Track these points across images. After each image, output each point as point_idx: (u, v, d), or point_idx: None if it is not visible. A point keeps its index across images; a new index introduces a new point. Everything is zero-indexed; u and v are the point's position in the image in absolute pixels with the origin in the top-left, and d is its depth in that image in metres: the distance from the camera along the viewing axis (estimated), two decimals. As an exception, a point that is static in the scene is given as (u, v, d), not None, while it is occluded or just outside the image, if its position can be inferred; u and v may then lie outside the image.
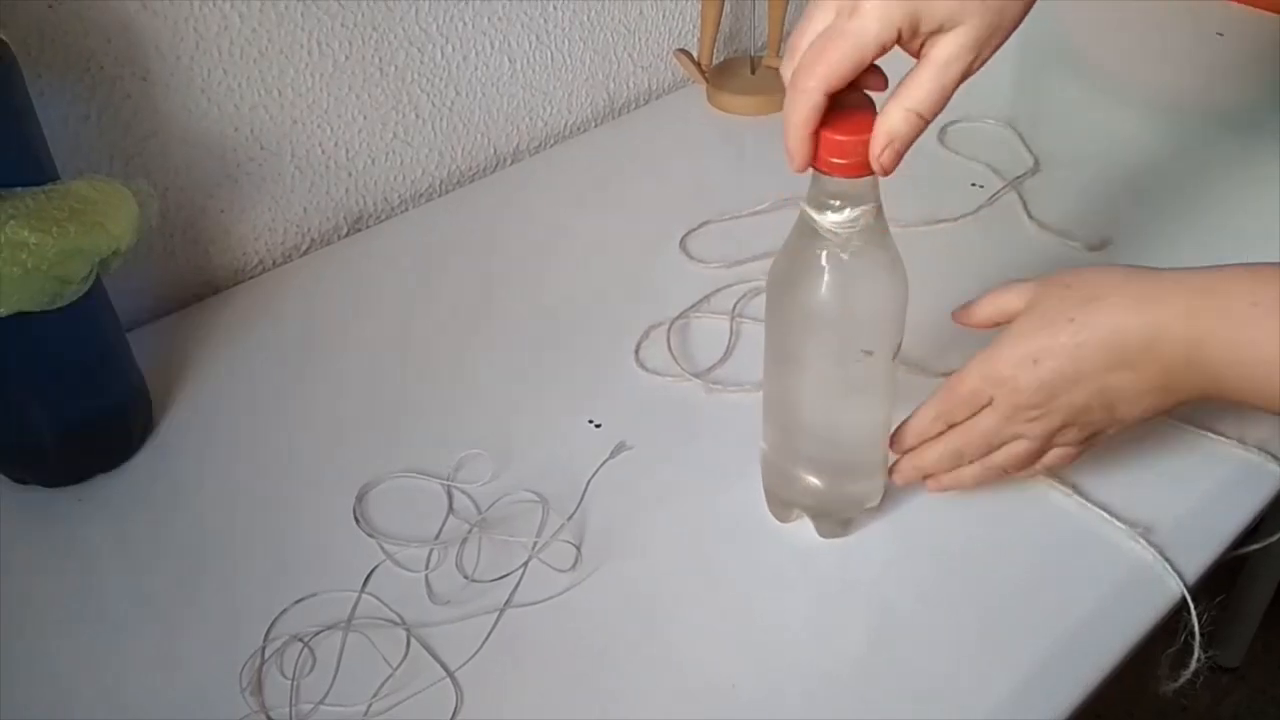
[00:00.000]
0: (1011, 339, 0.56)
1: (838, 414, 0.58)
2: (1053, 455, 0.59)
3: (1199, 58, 1.07)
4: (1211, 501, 0.63)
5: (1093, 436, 0.58)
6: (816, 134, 0.50)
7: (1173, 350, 0.53)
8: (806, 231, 0.53)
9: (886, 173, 0.50)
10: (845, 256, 0.52)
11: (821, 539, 0.61)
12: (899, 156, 0.50)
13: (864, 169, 0.50)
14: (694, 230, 0.85)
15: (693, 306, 0.78)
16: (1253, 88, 1.02)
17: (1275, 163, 0.90)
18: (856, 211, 0.51)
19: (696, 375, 0.72)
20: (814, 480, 0.59)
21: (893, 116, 0.49)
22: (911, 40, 0.50)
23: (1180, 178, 0.89)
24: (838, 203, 0.51)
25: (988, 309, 0.59)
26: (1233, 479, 0.64)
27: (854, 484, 0.60)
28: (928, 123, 0.50)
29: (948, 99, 0.50)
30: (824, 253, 0.53)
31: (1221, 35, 1.09)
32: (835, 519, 0.61)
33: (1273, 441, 0.65)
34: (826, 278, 0.53)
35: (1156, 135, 0.95)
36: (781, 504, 0.62)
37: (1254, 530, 0.63)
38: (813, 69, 0.49)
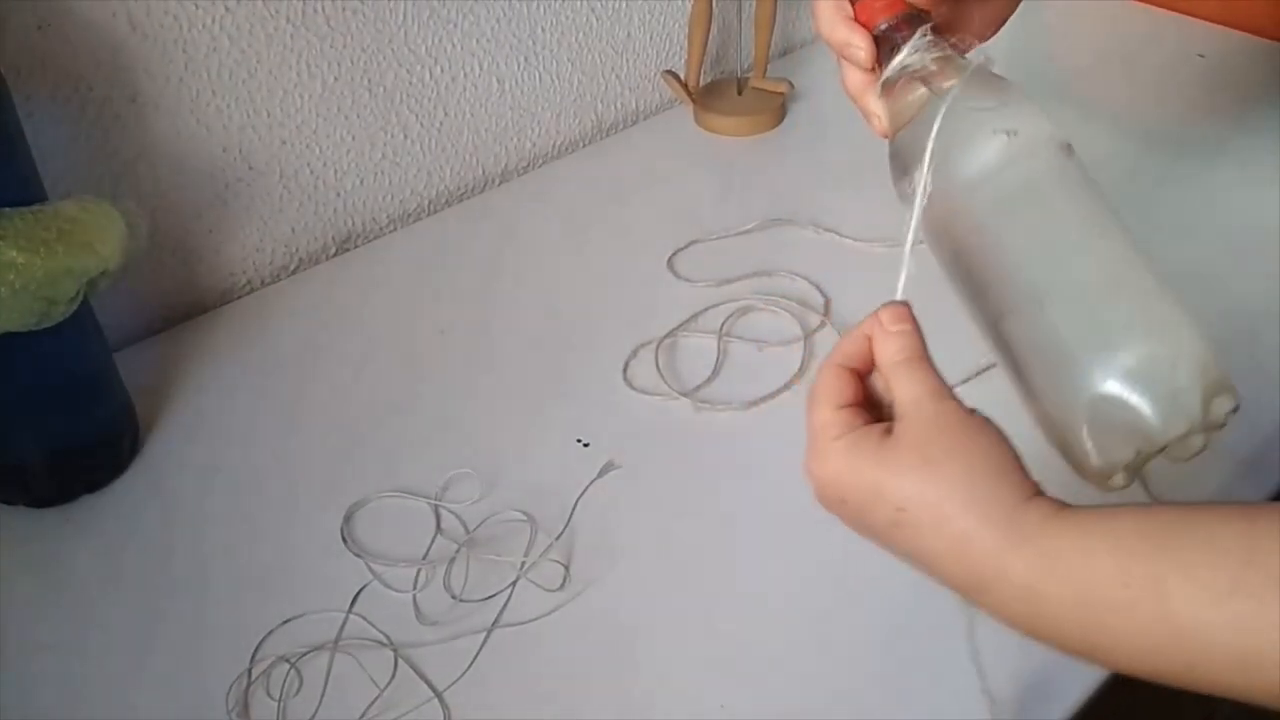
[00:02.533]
0: (853, 465, 0.46)
1: (1080, 261, 0.49)
2: None
3: (1179, 79, 1.08)
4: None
5: None
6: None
7: (1005, 618, 0.44)
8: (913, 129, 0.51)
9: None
10: (948, 84, 0.50)
11: (817, 563, 0.61)
12: None
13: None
14: (682, 249, 0.86)
15: (680, 325, 0.78)
16: (1232, 108, 1.03)
17: (1253, 186, 0.91)
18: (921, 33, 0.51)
19: (685, 394, 0.73)
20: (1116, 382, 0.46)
21: None
22: None
23: (1157, 200, 0.90)
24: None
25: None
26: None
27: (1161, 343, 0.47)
28: None
29: None
30: (936, 106, 0.50)
31: (1202, 57, 1.10)
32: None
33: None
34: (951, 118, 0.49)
35: (1134, 157, 0.96)
36: (1107, 463, 0.47)
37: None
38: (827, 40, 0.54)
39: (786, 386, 0.73)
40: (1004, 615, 0.43)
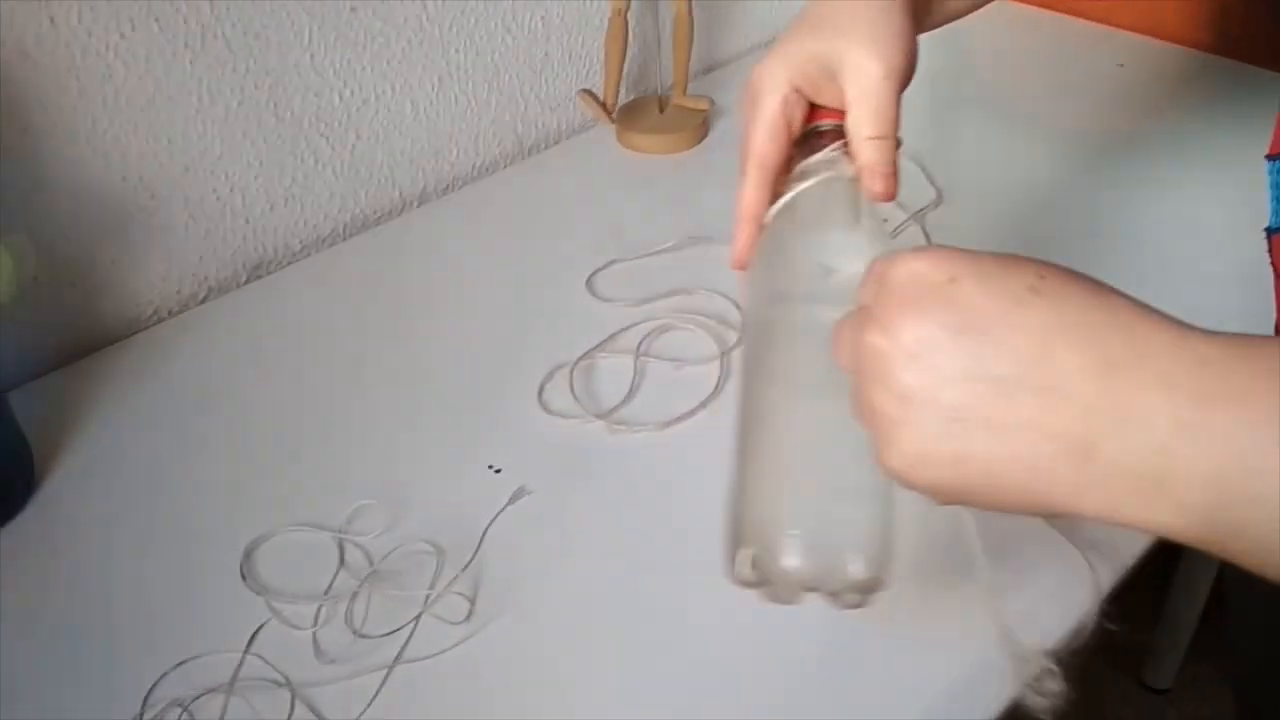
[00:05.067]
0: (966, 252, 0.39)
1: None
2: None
3: (1101, 88, 1.09)
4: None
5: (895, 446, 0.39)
6: (759, 226, 0.52)
7: (1161, 409, 0.34)
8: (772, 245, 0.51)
9: (891, 196, 0.51)
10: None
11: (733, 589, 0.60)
12: (889, 179, 0.51)
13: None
14: (600, 270, 0.85)
15: (597, 346, 0.77)
16: (1153, 117, 1.04)
17: (1173, 194, 0.91)
18: (834, 148, 0.51)
19: (600, 416, 0.71)
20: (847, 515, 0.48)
21: (861, 153, 0.50)
22: (828, 85, 0.51)
23: (1082, 208, 0.90)
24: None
25: None
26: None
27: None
28: (892, 138, 0.51)
29: (892, 115, 0.51)
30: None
31: (1123, 66, 1.11)
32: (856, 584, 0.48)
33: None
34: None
35: (1059, 166, 0.96)
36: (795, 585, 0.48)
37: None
38: (744, 157, 0.52)
39: (703, 405, 0.72)
40: (1162, 409, 0.34)
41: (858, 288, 0.42)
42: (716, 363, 0.75)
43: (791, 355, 0.49)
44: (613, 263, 0.85)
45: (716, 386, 0.73)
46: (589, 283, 0.83)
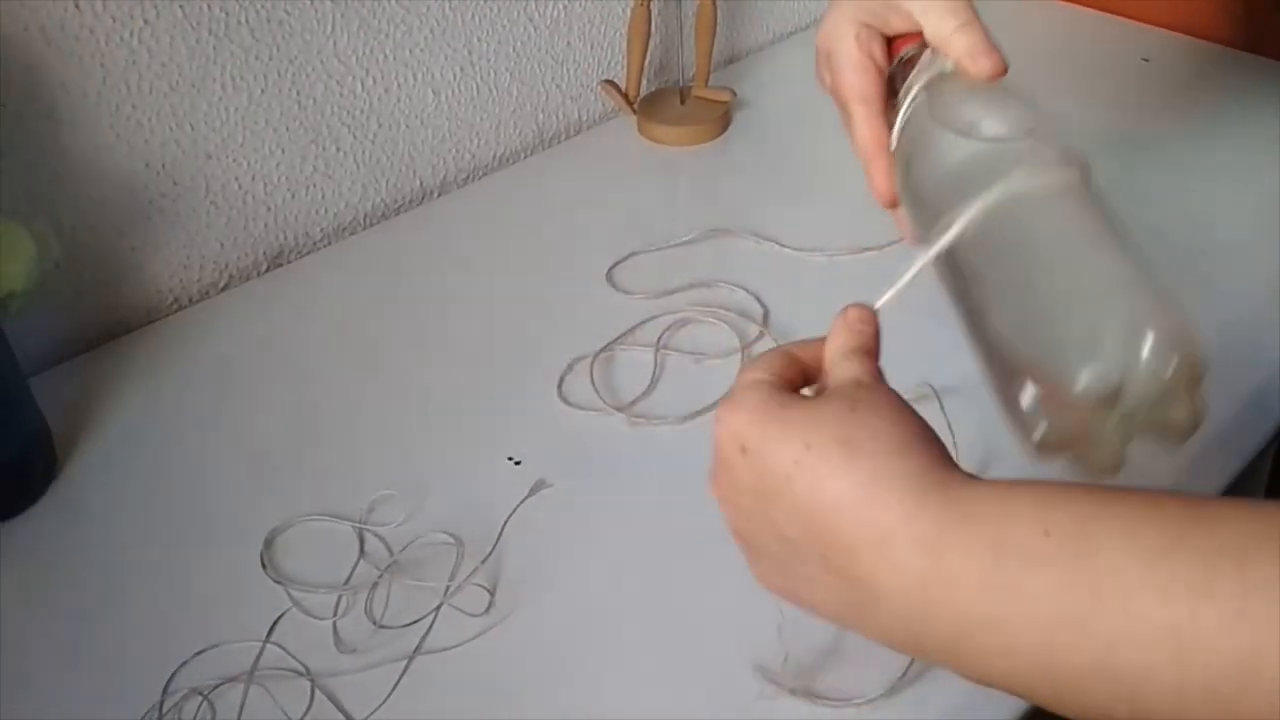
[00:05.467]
0: (769, 414, 0.42)
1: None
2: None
3: (1126, 83, 1.08)
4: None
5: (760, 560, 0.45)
6: (889, 155, 0.52)
7: (895, 588, 0.37)
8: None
9: (1002, 69, 0.53)
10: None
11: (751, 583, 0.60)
12: (993, 53, 0.53)
13: None
14: (621, 261, 0.84)
15: (617, 339, 0.77)
16: (1179, 112, 1.03)
17: (1202, 188, 0.91)
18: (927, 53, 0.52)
19: (620, 409, 0.71)
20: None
21: (954, 46, 0.52)
22: (893, 15, 0.53)
23: (1108, 202, 0.89)
24: None
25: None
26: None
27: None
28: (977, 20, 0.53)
29: (967, 2, 0.53)
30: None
31: (1147, 60, 1.10)
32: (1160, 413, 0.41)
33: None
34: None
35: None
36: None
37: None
38: (844, 102, 0.54)
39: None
40: (893, 583, 0.37)
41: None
42: (737, 356, 0.75)
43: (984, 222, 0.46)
44: (633, 255, 0.85)
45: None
46: (609, 274, 0.83)
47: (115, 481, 0.67)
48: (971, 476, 0.39)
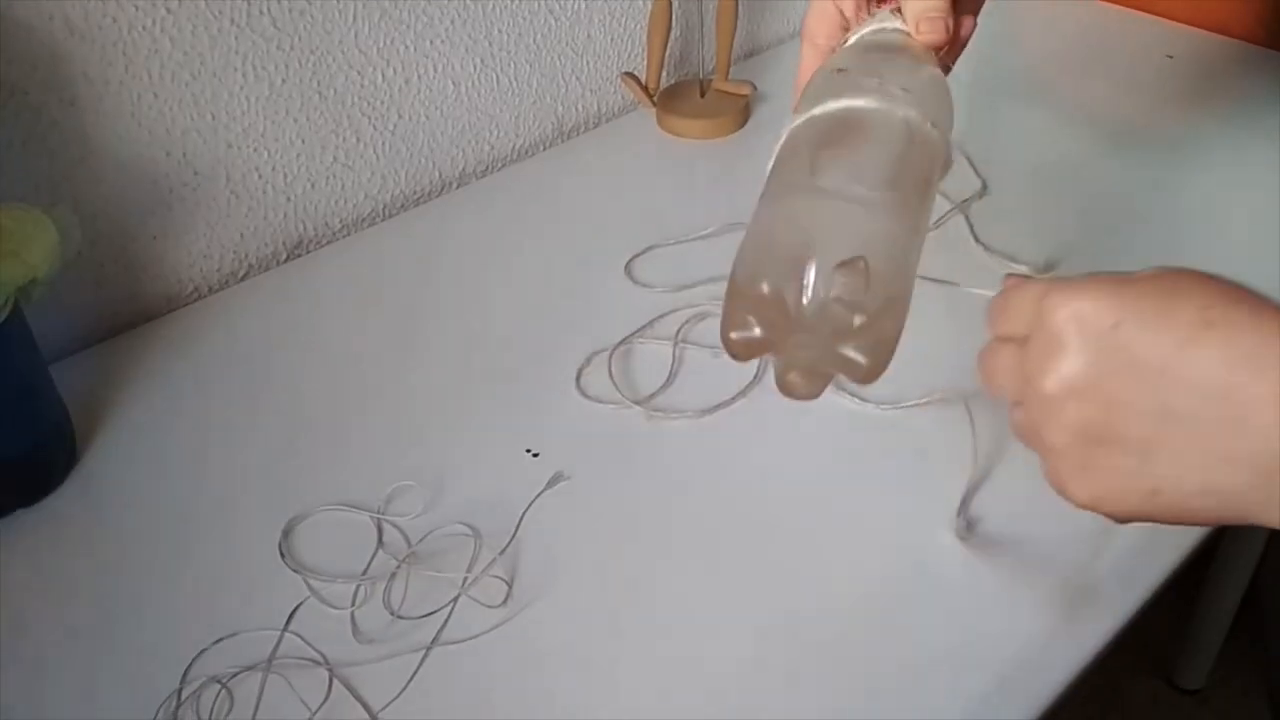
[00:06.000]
0: (1124, 283, 0.40)
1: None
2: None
3: (1149, 80, 1.07)
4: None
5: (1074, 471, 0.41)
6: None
7: None
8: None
9: (940, 41, 0.53)
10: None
11: (770, 577, 0.60)
12: (936, 23, 0.52)
13: None
14: (640, 254, 0.84)
15: (636, 332, 0.76)
16: (1202, 109, 1.02)
17: (1224, 186, 0.90)
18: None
19: (638, 402, 0.71)
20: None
21: (910, 6, 0.53)
22: None
23: (1128, 200, 0.89)
24: None
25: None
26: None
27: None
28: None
29: None
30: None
31: (1171, 57, 1.09)
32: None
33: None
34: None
35: (1106, 157, 0.95)
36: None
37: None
38: (802, 41, 0.56)
39: (742, 394, 0.71)
40: None
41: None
42: None
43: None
44: (652, 248, 0.85)
45: (756, 375, 0.72)
46: (628, 267, 0.83)
47: (134, 469, 0.68)
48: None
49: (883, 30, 0.54)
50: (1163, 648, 1.34)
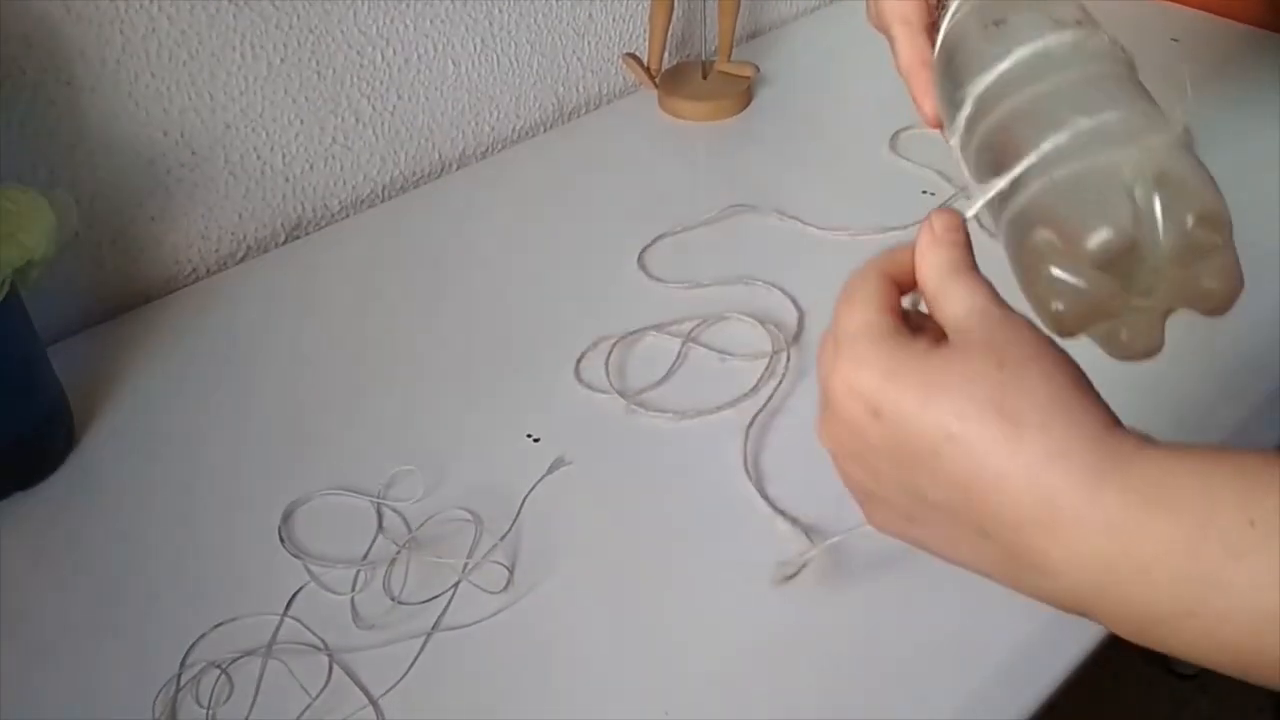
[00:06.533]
0: (899, 369, 0.38)
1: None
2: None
3: (1155, 63, 1.06)
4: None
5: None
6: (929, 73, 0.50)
7: (1072, 568, 0.35)
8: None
9: None
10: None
11: (763, 564, 0.59)
12: None
13: None
14: (648, 246, 0.82)
15: (645, 327, 0.74)
16: (1208, 93, 1.01)
17: (1229, 171, 0.89)
18: None
19: (623, 394, 0.69)
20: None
21: None
22: None
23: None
24: None
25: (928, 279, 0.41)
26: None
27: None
28: None
29: None
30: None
31: (1177, 41, 1.08)
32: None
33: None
34: None
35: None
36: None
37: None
38: (884, 25, 0.51)
39: (747, 395, 0.70)
40: (1069, 563, 0.34)
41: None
42: (765, 361, 0.72)
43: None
44: (660, 238, 0.83)
45: (756, 385, 0.70)
46: (640, 258, 0.81)
47: (133, 452, 0.67)
48: (1142, 438, 0.35)
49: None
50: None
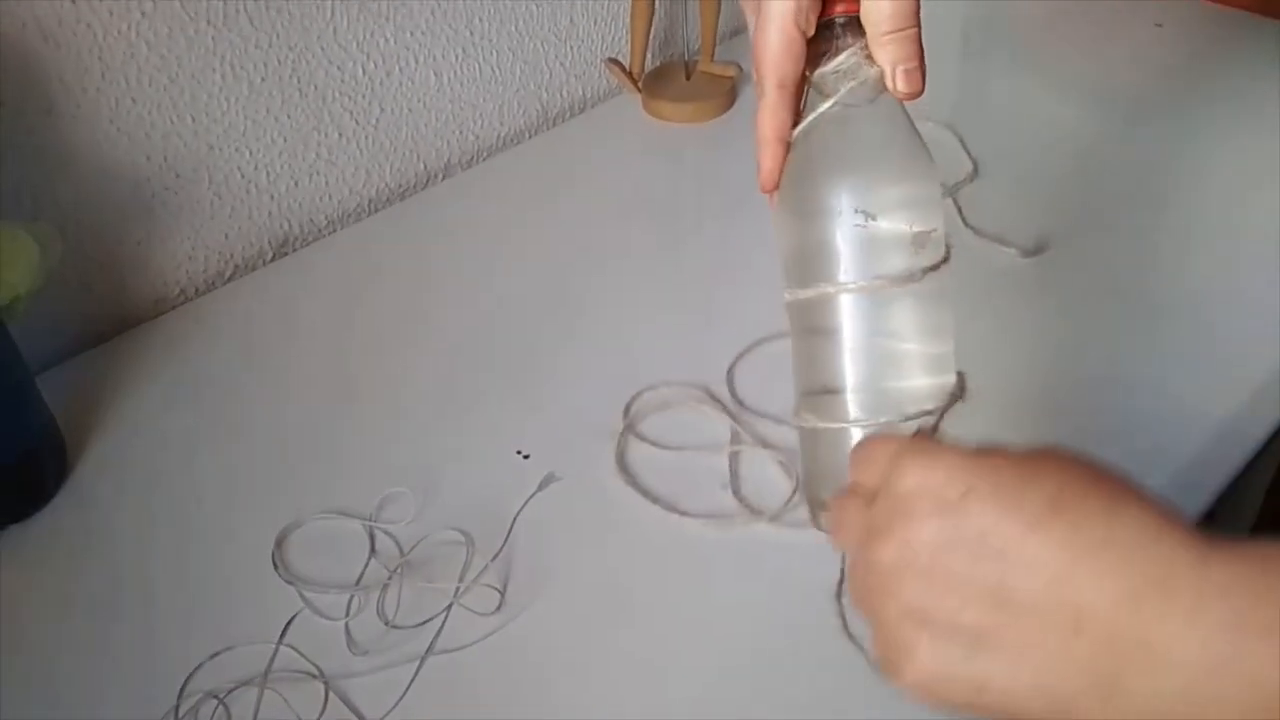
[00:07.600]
0: (983, 452, 0.37)
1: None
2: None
3: (1138, 49, 1.06)
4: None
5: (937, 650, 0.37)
6: (787, 146, 0.48)
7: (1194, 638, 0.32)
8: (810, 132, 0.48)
9: (917, 93, 0.47)
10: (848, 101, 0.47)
11: (754, 581, 0.60)
12: (914, 75, 0.47)
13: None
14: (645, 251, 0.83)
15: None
16: (1192, 79, 1.01)
17: (1215, 158, 0.89)
18: (852, 52, 0.47)
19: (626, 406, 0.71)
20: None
21: (881, 51, 0.46)
22: None
23: (1119, 174, 0.88)
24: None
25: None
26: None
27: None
28: (915, 28, 0.46)
29: (912, 3, 0.46)
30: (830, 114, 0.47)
31: (1160, 26, 1.08)
32: None
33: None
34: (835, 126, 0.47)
35: (1097, 130, 0.94)
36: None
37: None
38: (760, 74, 0.47)
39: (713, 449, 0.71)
40: (1171, 642, 0.32)
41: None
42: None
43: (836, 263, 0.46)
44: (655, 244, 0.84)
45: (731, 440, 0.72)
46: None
47: (127, 479, 0.67)
48: (1203, 537, 0.34)
49: (851, 88, 0.47)
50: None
